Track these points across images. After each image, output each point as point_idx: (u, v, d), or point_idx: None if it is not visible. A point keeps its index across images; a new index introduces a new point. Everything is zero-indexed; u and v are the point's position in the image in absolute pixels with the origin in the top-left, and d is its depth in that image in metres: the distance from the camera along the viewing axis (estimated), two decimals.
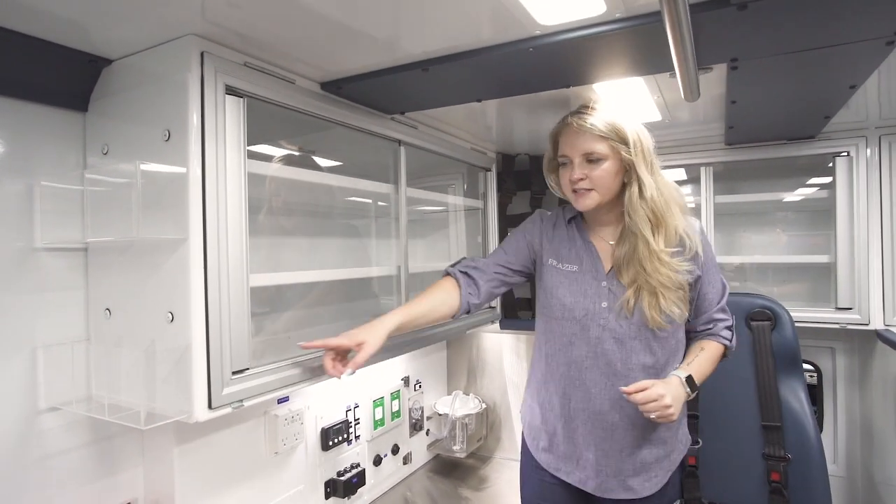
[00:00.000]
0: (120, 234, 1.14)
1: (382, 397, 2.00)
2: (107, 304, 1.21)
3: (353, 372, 1.22)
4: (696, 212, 2.30)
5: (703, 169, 2.24)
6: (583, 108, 1.34)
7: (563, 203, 1.51)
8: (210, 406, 1.09)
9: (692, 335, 1.45)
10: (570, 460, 1.38)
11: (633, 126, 1.32)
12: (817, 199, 2.30)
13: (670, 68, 1.12)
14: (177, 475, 1.30)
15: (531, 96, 1.49)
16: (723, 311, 1.44)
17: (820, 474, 1.76)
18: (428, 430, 2.34)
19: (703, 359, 1.39)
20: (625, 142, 1.29)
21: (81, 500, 1.23)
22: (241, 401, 1.15)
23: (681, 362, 1.39)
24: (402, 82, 1.34)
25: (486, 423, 2.49)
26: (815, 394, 2.44)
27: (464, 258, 1.52)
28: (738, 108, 1.62)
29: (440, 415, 2.34)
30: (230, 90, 1.14)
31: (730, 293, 1.89)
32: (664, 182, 1.35)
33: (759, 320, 1.89)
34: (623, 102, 1.63)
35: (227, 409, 1.13)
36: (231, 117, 1.14)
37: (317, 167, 1.71)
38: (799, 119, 1.79)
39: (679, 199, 1.35)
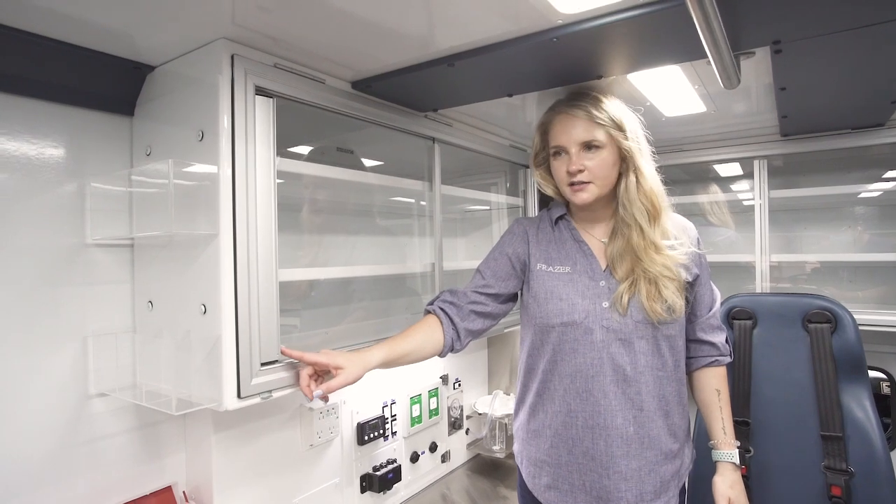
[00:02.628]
0: (160, 231, 1.20)
1: (420, 394, 2.01)
2: (149, 297, 1.29)
3: (323, 395, 1.14)
4: (750, 208, 2.18)
5: (756, 162, 2.12)
6: (574, 96, 1.29)
7: (546, 203, 1.47)
8: (239, 395, 1.13)
9: (695, 346, 1.41)
10: (582, 493, 1.25)
11: (629, 113, 1.28)
12: (894, 192, 2.13)
13: (705, 55, 1.07)
14: (214, 462, 1.36)
15: (569, 88, 1.45)
16: (718, 318, 1.42)
17: (889, 492, 1.62)
18: (468, 429, 2.33)
19: (727, 409, 1.42)
20: (621, 129, 1.24)
21: (127, 480, 1.31)
22: (270, 391, 1.19)
23: (686, 419, 1.37)
24: (430, 78, 1.35)
25: None
26: (888, 404, 2.27)
27: (445, 290, 1.41)
28: (789, 96, 1.52)
29: (480, 414, 2.33)
30: (260, 91, 1.18)
31: (787, 293, 1.81)
32: (656, 173, 1.30)
33: (818, 322, 1.76)
34: (663, 94, 1.57)
35: (256, 399, 1.17)
36: (261, 117, 1.18)
37: (356, 166, 1.75)
38: (862, 106, 1.66)
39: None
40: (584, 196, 1.27)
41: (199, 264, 1.16)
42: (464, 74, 1.30)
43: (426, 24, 1.11)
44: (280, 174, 1.36)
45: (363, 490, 1.78)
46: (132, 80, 1.29)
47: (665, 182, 1.34)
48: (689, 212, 2.54)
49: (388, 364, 1.24)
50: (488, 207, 2.39)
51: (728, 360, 1.43)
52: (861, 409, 1.71)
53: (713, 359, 1.41)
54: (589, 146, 1.25)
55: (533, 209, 2.31)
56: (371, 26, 1.11)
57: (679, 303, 1.24)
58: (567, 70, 1.29)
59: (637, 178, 1.26)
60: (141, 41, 1.17)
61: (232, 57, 1.13)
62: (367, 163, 1.83)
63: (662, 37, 1.08)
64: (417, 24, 1.10)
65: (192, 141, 1.16)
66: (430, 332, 1.32)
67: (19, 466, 1.14)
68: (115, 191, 1.27)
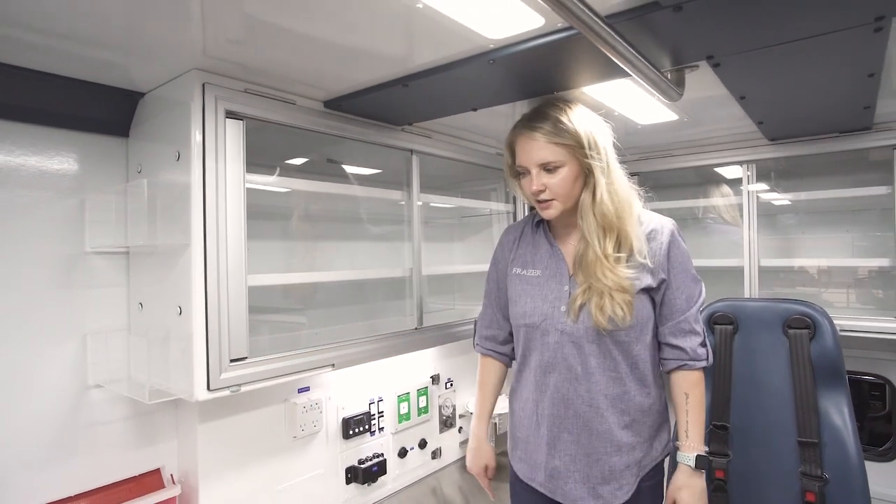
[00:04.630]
0: (147, 240, 1.35)
1: (408, 393, 2.11)
2: (140, 299, 1.44)
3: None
4: (738, 210, 2.18)
5: (744, 166, 2.12)
6: (534, 114, 1.32)
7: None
8: (209, 388, 1.26)
9: (665, 348, 1.39)
10: (541, 469, 1.37)
11: (588, 125, 1.29)
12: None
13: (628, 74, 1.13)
14: (200, 449, 1.50)
15: (533, 103, 1.47)
16: (695, 322, 1.36)
17: (863, 500, 1.61)
18: (461, 427, 2.41)
19: (695, 413, 1.38)
20: (580, 144, 1.26)
21: (122, 462, 1.47)
22: (239, 385, 1.32)
23: (660, 425, 1.41)
24: (393, 97, 1.45)
25: None
26: (891, 412, 2.22)
27: (480, 326, 1.60)
28: (751, 104, 1.54)
29: (472, 414, 2.40)
30: (230, 114, 1.31)
31: (768, 299, 1.80)
32: (621, 183, 1.32)
33: (797, 328, 1.76)
34: (629, 104, 1.61)
35: (226, 392, 1.30)
36: (231, 138, 1.31)
37: (346, 176, 1.88)
38: (835, 111, 1.66)
39: (632, 199, 1.34)
40: (550, 212, 1.34)
41: (176, 270, 1.30)
42: (419, 93, 1.40)
43: (382, 49, 1.20)
44: (274, 186, 1.50)
45: (348, 481, 1.89)
46: (126, 105, 1.44)
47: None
48: (705, 213, 2.55)
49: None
50: (489, 212, 2.47)
51: (700, 364, 1.39)
52: (839, 415, 1.70)
53: (682, 363, 1.39)
54: (548, 166, 1.29)
55: (522, 214, 2.38)
56: (335, 49, 1.20)
57: (623, 315, 1.26)
58: (514, 87, 1.36)
59: (593, 193, 1.29)
60: (134, 72, 1.32)
61: (203, 85, 1.26)
62: (361, 171, 1.95)
63: (591, 57, 1.14)
64: (374, 49, 1.20)
65: (171, 160, 1.30)
66: (499, 372, 1.61)
67: (27, 446, 1.31)
68: (111, 204, 1.43)
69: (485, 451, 1.57)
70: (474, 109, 1.56)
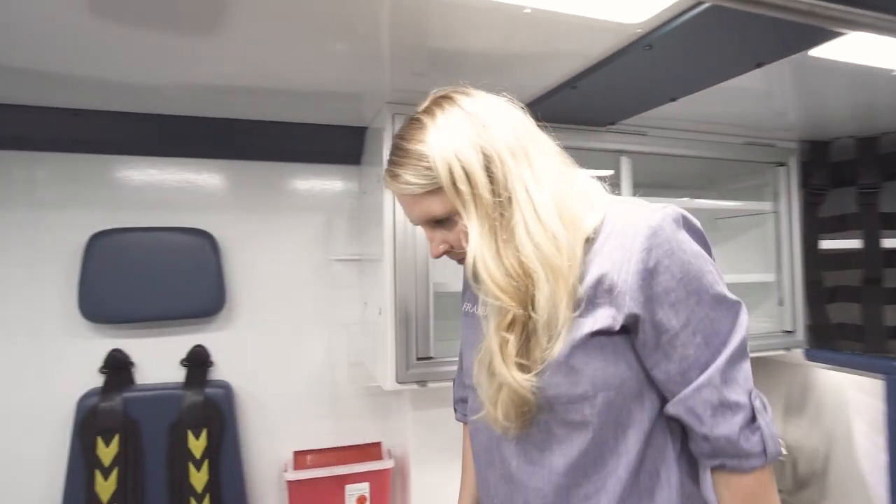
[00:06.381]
0: (359, 251, 1.63)
1: None
2: (365, 299, 1.73)
3: None
4: None
5: None
6: (394, 148, 0.87)
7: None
8: (397, 381, 1.44)
9: (690, 437, 0.81)
10: None
11: (456, 145, 0.79)
12: None
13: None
14: (410, 434, 1.71)
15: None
16: (725, 384, 0.75)
17: None
18: None
19: None
20: (471, 185, 0.79)
21: (354, 430, 1.82)
22: (425, 381, 1.46)
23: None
24: (565, 102, 1.38)
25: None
26: None
27: (455, 386, 1.25)
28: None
29: None
30: None
31: None
32: (541, 221, 0.77)
33: None
34: None
35: (413, 386, 1.46)
36: None
37: None
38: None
39: (574, 208, 0.80)
40: (466, 263, 0.87)
41: (377, 277, 1.52)
42: (591, 93, 1.30)
43: (532, 55, 1.18)
44: None
45: None
46: (358, 138, 1.76)
47: None
48: None
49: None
50: (756, 213, 2.08)
51: (753, 463, 0.75)
52: None
53: (718, 462, 0.78)
54: (437, 220, 0.87)
55: (795, 215, 1.91)
56: (501, 61, 1.22)
57: (507, 427, 0.82)
58: (700, 67, 1.14)
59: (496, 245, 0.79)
60: (361, 111, 1.61)
61: (392, 116, 1.45)
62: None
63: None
64: (527, 56, 1.19)
65: (375, 182, 1.54)
66: None
67: (292, 405, 1.76)
68: (343, 221, 1.78)
69: None
70: (673, 100, 1.35)
